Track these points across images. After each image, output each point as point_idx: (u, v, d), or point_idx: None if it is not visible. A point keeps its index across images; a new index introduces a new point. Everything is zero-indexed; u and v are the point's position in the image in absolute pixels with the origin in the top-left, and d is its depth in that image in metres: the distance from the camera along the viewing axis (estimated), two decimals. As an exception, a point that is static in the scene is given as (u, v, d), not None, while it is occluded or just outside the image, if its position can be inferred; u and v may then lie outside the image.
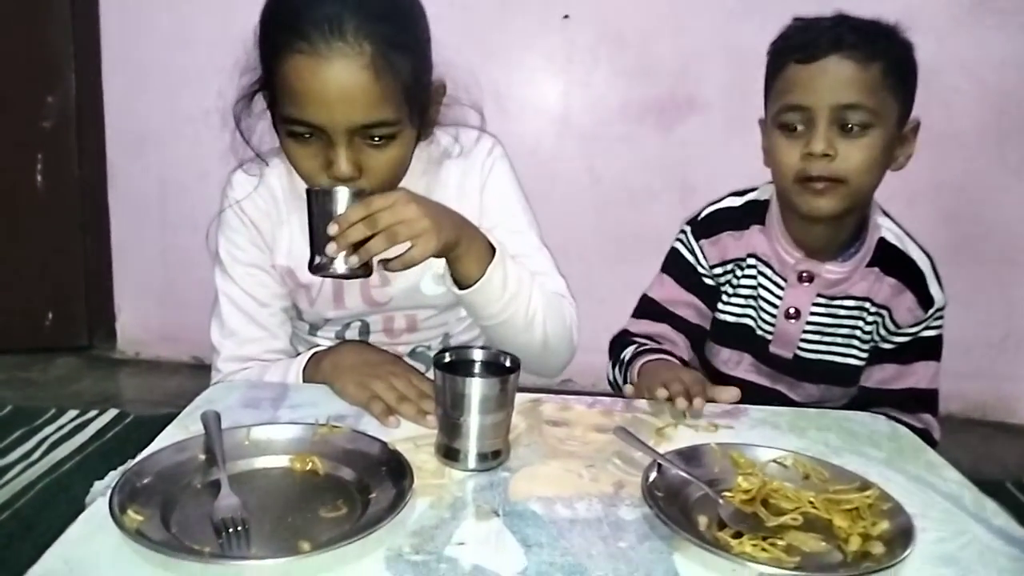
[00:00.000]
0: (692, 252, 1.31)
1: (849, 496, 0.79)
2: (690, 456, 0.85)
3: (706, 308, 1.32)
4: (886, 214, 1.26)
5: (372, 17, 0.96)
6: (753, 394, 1.26)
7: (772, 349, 1.28)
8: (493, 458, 0.85)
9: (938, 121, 2.27)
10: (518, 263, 1.13)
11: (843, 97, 1.09)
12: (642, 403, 1.06)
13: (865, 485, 0.80)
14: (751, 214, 1.28)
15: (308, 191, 0.98)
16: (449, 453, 0.84)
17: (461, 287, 1.06)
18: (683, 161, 2.46)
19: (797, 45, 1.13)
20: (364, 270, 0.97)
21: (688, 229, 1.32)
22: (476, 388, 0.82)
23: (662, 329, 1.33)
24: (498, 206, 1.21)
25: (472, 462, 0.84)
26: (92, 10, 2.54)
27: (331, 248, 0.94)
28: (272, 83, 1.01)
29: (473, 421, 0.82)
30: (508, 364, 0.88)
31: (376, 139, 1.00)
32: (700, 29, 2.38)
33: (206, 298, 1.21)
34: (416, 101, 1.03)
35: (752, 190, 1.31)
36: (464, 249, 1.03)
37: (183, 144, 2.52)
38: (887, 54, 1.10)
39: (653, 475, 0.80)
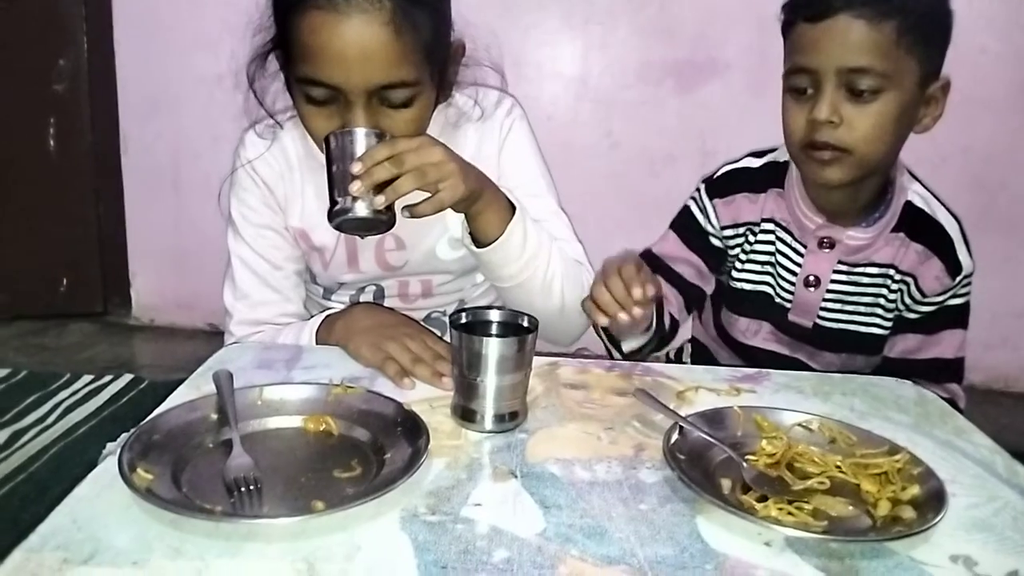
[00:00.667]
0: (703, 211, 1.27)
1: (878, 460, 0.77)
2: (712, 419, 0.84)
3: (707, 269, 1.29)
4: (913, 176, 1.22)
5: None
6: (772, 363, 1.24)
7: (791, 317, 1.24)
8: (510, 419, 0.83)
9: (965, 83, 2.19)
10: (538, 225, 1.10)
11: (851, 60, 1.03)
12: (662, 367, 1.05)
13: (894, 449, 0.78)
14: (769, 176, 1.23)
15: (327, 135, 0.95)
16: (465, 414, 0.83)
17: (480, 245, 1.04)
18: (703, 125, 2.41)
19: (806, 1, 1.07)
20: (388, 216, 0.94)
21: (702, 187, 1.28)
22: (493, 348, 0.80)
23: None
24: (516, 169, 1.18)
25: (489, 423, 0.82)
26: (103, -29, 2.52)
27: (355, 186, 0.91)
28: (286, 42, 0.98)
29: (490, 382, 0.81)
30: (526, 324, 0.86)
31: (395, 101, 0.96)
32: (720, -11, 2.32)
33: (221, 264, 1.20)
34: (436, 60, 1.00)
35: (772, 150, 1.26)
36: (486, 203, 1.01)
37: (196, 108, 2.50)
38: (904, 9, 1.01)
39: (675, 437, 0.78)
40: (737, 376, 1.02)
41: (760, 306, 1.27)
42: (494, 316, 0.88)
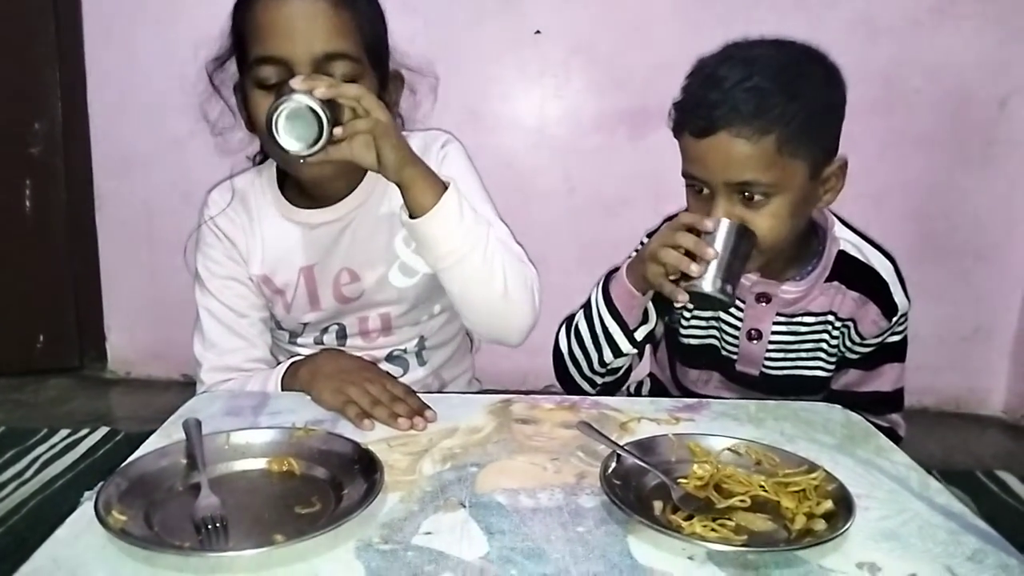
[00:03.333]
0: None
1: (796, 479, 0.82)
2: (648, 447, 0.89)
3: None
4: (843, 222, 1.25)
5: None
6: None
7: (739, 368, 1.28)
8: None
9: (901, 122, 2.34)
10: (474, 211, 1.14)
11: (735, 175, 1.06)
12: (607, 399, 1.09)
13: (812, 468, 0.84)
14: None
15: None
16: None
17: (415, 217, 1.08)
18: (656, 169, 2.42)
19: (689, 114, 1.09)
20: (327, 117, 0.96)
21: None
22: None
23: None
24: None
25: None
26: (77, 39, 2.59)
27: (296, 81, 0.97)
28: (242, 41, 1.09)
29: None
30: None
31: (338, 76, 1.05)
32: (668, 41, 2.41)
33: (193, 316, 1.25)
34: (374, 53, 1.11)
35: None
36: (419, 173, 1.07)
37: (167, 166, 2.56)
38: (784, 120, 1.03)
39: (612, 465, 0.83)
40: (678, 406, 1.07)
41: (708, 358, 1.30)
42: None
